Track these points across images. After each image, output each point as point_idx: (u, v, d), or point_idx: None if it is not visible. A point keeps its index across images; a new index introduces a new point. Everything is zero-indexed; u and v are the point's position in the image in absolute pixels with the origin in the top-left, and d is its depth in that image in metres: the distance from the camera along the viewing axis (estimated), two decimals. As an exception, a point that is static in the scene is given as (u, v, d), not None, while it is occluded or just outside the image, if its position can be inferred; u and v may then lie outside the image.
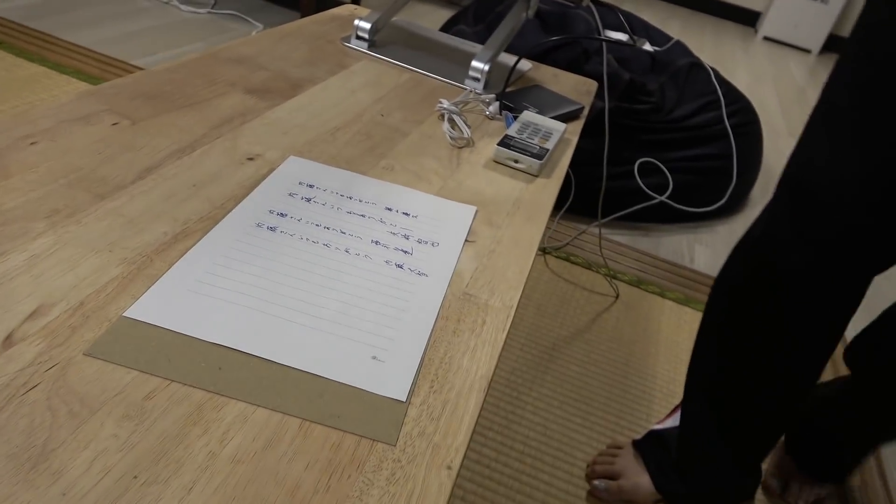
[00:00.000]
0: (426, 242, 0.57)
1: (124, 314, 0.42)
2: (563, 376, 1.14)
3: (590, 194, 1.64)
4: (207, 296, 0.45)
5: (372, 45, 0.97)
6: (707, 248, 1.70)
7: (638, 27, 2.03)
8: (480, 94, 0.89)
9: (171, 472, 0.34)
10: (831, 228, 0.70)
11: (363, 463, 0.37)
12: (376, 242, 0.55)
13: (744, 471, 0.89)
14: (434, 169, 0.69)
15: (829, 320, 0.75)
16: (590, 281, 1.42)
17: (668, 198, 1.68)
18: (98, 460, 0.33)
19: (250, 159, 0.62)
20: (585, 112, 0.95)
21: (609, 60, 1.70)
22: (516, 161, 0.74)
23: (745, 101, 1.94)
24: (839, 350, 1.30)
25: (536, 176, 0.74)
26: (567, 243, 1.54)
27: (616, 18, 2.02)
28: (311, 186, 0.60)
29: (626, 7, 4.30)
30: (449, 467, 0.38)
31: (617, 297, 1.39)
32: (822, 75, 3.95)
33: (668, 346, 1.28)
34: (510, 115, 0.85)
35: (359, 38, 0.96)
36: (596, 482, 0.95)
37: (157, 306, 0.43)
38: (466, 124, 0.80)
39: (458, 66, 0.98)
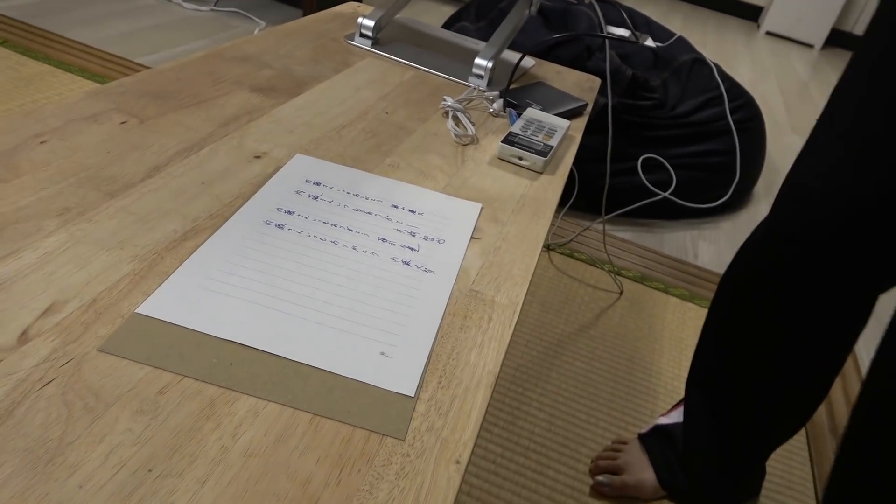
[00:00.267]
0: (432, 239, 0.57)
1: (136, 311, 0.42)
2: (567, 372, 1.15)
3: (593, 191, 1.64)
4: (218, 292, 0.45)
5: (375, 42, 0.97)
6: (711, 245, 1.71)
7: (640, 23, 2.03)
8: (484, 92, 0.89)
9: (185, 465, 0.34)
10: (829, 232, 0.71)
11: (373, 457, 0.37)
12: (383, 239, 0.55)
13: (747, 469, 0.90)
14: (439, 166, 0.70)
15: (829, 326, 0.76)
16: (594, 277, 1.42)
17: (671, 194, 1.68)
18: (113, 454, 0.34)
19: (257, 157, 0.62)
20: (589, 109, 0.95)
21: (612, 57, 1.70)
22: (521, 158, 0.74)
23: (747, 96, 1.94)
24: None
25: (541, 173, 0.74)
26: (571, 240, 1.54)
27: (618, 14, 2.02)
28: (317, 184, 0.61)
29: (628, 3, 4.30)
30: (457, 462, 0.39)
31: (621, 293, 1.40)
32: (825, 70, 3.94)
33: (672, 343, 1.29)
34: (514, 112, 0.85)
35: (362, 35, 0.97)
36: (599, 477, 0.96)
37: (169, 303, 0.43)
38: (471, 121, 0.80)
39: (461, 63, 0.99)
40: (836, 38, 4.60)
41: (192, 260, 0.48)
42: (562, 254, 1.49)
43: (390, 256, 0.54)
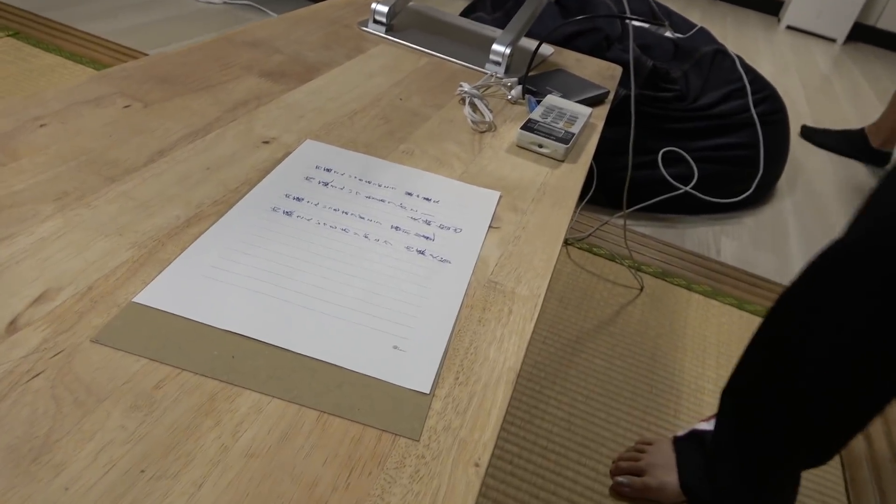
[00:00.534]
0: (448, 228, 0.54)
1: (134, 300, 0.40)
2: (587, 370, 1.11)
3: (612, 185, 1.60)
4: (221, 281, 0.43)
5: (389, 29, 0.94)
6: (734, 240, 1.66)
7: (661, 14, 1.98)
8: (502, 79, 0.86)
9: (181, 466, 0.32)
10: None
11: (385, 459, 0.34)
12: (396, 228, 0.52)
13: (772, 486, 0.85)
14: (455, 153, 0.67)
15: (888, 366, 0.69)
16: (613, 273, 1.39)
17: (692, 188, 1.64)
18: (103, 453, 0.31)
19: (265, 143, 0.59)
20: (611, 97, 0.91)
21: (632, 47, 1.66)
22: (541, 146, 0.71)
23: (771, 88, 1.88)
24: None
25: (562, 161, 0.71)
26: (590, 234, 1.51)
27: (639, 4, 1.98)
28: (328, 170, 0.58)
29: (647, -3, 4.22)
30: (476, 464, 0.35)
31: (641, 289, 1.36)
32: (848, 65, 3.85)
33: (696, 341, 1.25)
34: (533, 99, 0.82)
35: (376, 21, 0.94)
36: (620, 478, 0.92)
37: (169, 292, 0.41)
38: (488, 108, 0.77)
39: (477, 50, 0.96)
40: (859, 33, 4.50)
41: (194, 247, 0.45)
42: (580, 248, 1.45)
43: (404, 245, 0.51)
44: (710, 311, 1.34)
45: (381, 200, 0.55)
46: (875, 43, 4.57)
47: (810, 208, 1.95)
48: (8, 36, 1.68)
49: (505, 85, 0.85)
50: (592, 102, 0.87)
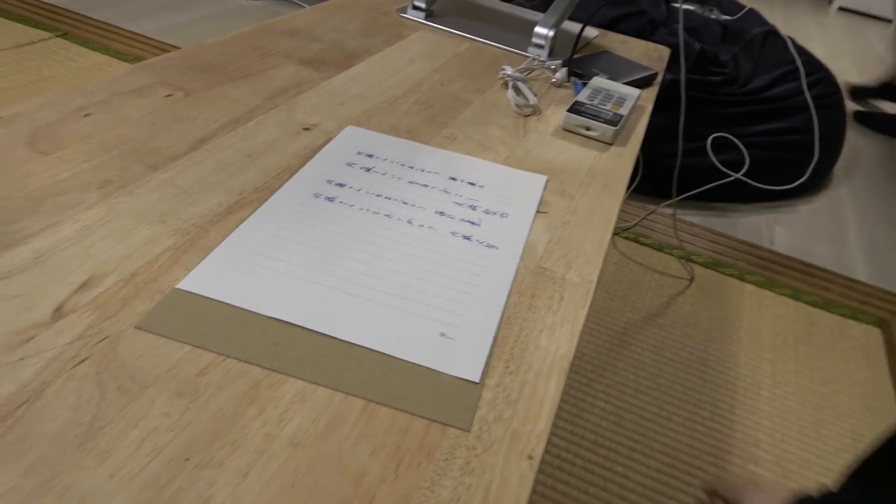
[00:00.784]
0: (495, 213, 0.52)
1: (177, 286, 0.39)
2: (636, 363, 1.08)
3: (658, 173, 1.55)
4: (264, 268, 0.42)
5: (429, 14, 0.93)
6: (788, 229, 1.59)
7: (708, -4, 1.92)
8: (545, 62, 0.83)
9: (226, 454, 0.31)
10: None
11: (434, 450, 0.33)
12: (441, 213, 0.51)
13: None
14: (499, 138, 0.65)
15: None
16: (661, 263, 1.34)
17: (744, 175, 1.58)
18: (148, 440, 0.30)
19: (306, 129, 0.59)
20: (659, 78, 0.88)
21: (678, 30, 1.60)
22: (588, 128, 0.68)
23: (826, 70, 1.80)
24: None
25: (610, 144, 0.68)
26: (636, 223, 1.46)
27: (684, -12, 1.91)
28: (370, 156, 0.56)
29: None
30: (530, 457, 0.34)
31: (692, 280, 1.31)
32: (908, 45, 3.67)
33: (750, 333, 1.20)
34: (579, 81, 0.79)
35: (415, 7, 0.92)
36: None
37: (212, 278, 0.40)
38: (532, 91, 0.74)
39: (519, 34, 0.93)
40: (919, 11, 4.28)
41: (236, 234, 0.44)
42: (626, 238, 1.41)
43: (449, 231, 0.49)
44: (764, 301, 1.28)
45: (425, 185, 0.54)
46: (936, 21, 4.34)
47: (869, 195, 1.85)
48: (57, 36, 1.73)
49: (549, 68, 0.82)
50: (640, 84, 0.83)
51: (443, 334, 0.40)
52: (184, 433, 0.31)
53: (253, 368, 0.35)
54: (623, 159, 0.65)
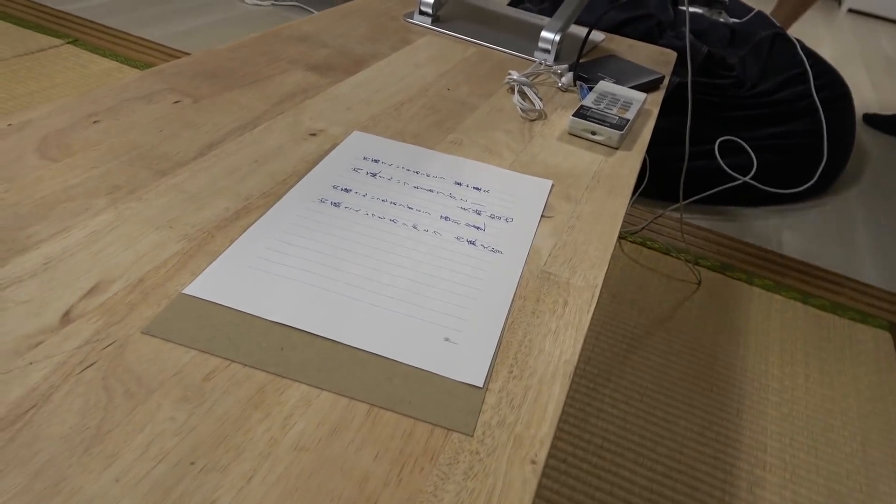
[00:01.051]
0: (499, 218, 0.52)
1: (184, 291, 0.39)
2: (642, 367, 1.07)
3: (665, 176, 1.55)
4: (269, 273, 0.42)
5: (436, 20, 0.93)
6: (796, 233, 1.58)
7: (715, -1, 1.91)
8: (552, 66, 0.83)
9: (231, 458, 0.31)
10: None
11: (437, 454, 0.33)
12: (446, 218, 0.51)
13: None
14: (505, 142, 0.65)
15: None
16: (669, 267, 1.34)
17: (752, 178, 1.57)
18: (154, 444, 0.31)
19: (313, 135, 0.59)
20: (666, 82, 0.88)
21: (685, 33, 1.60)
22: (594, 133, 0.68)
23: (834, 73, 1.79)
24: None
25: (616, 148, 0.68)
26: (643, 227, 1.46)
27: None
28: (375, 161, 0.57)
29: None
30: (533, 461, 0.34)
31: (699, 283, 1.31)
32: (919, 46, 3.64)
33: (758, 337, 1.19)
34: (585, 85, 0.79)
35: (422, 13, 0.93)
36: None
37: (218, 283, 0.40)
38: (538, 96, 0.75)
39: (525, 39, 0.93)
40: (930, 12, 4.25)
41: (243, 239, 0.44)
42: (633, 242, 1.41)
43: (454, 236, 0.49)
44: (772, 305, 1.28)
45: (430, 190, 0.54)
46: (947, 23, 4.31)
47: (878, 198, 1.84)
48: (68, 43, 1.75)
49: (555, 72, 0.82)
50: (647, 88, 0.84)
51: (447, 339, 0.40)
52: (189, 437, 0.31)
53: (258, 373, 0.35)
54: (629, 163, 0.65)
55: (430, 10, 0.92)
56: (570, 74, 0.80)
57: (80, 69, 1.63)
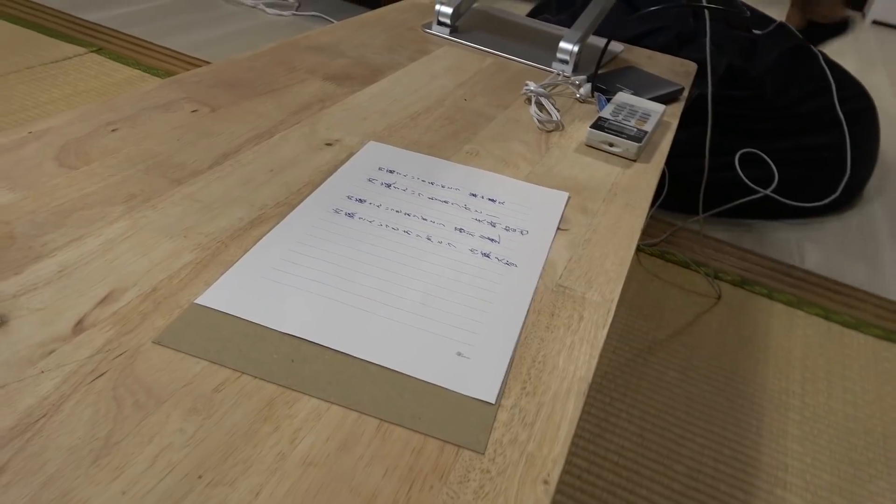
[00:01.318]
0: (514, 230, 0.52)
1: (196, 301, 0.39)
2: (660, 382, 1.06)
3: (684, 188, 1.53)
4: (282, 284, 0.42)
5: (454, 30, 0.93)
6: (818, 246, 1.55)
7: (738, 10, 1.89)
8: (570, 77, 0.83)
9: (239, 472, 0.30)
10: None
11: (447, 472, 0.32)
12: (460, 230, 0.51)
13: None
14: (521, 154, 0.64)
15: None
16: (688, 280, 1.32)
17: (773, 191, 1.55)
18: (162, 456, 0.30)
19: (329, 145, 0.59)
20: (686, 93, 0.87)
21: (705, 45, 1.58)
22: (611, 144, 0.67)
23: (859, 86, 1.76)
24: None
25: (634, 160, 0.67)
26: (661, 240, 1.44)
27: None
28: (391, 172, 0.56)
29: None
30: (545, 482, 0.33)
31: (719, 297, 1.29)
32: (945, 59, 3.58)
33: (778, 353, 1.17)
34: (603, 97, 0.79)
35: (440, 23, 0.93)
36: None
37: (230, 294, 0.40)
38: (555, 107, 0.74)
39: (543, 49, 0.93)
40: (957, 24, 4.18)
41: (256, 249, 0.44)
42: (651, 255, 1.39)
43: (468, 248, 0.49)
44: (794, 321, 1.25)
45: (445, 202, 0.54)
46: (975, 35, 4.23)
47: (904, 212, 1.80)
48: (91, 52, 1.77)
49: (573, 83, 0.82)
50: (666, 100, 0.83)
51: (459, 353, 0.39)
52: (197, 450, 0.31)
53: (268, 385, 0.35)
54: (647, 176, 0.65)
55: (448, 21, 0.92)
56: (589, 85, 0.80)
57: (103, 77, 1.65)
